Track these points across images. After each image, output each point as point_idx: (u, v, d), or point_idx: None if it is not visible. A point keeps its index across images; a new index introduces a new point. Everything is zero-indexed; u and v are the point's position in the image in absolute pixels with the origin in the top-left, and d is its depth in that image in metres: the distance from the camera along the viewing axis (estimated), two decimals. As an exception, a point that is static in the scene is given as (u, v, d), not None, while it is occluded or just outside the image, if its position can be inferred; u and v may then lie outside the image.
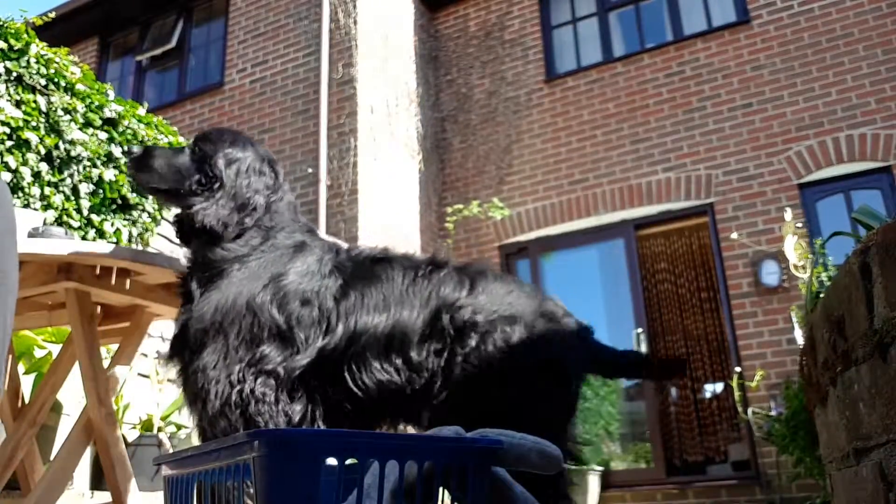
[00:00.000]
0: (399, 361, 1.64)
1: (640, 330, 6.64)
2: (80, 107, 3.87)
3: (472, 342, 1.64)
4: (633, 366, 1.98)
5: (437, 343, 1.66)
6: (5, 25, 3.61)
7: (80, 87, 3.92)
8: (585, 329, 1.83)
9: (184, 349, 1.65)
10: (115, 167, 4.01)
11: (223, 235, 1.71)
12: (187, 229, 1.79)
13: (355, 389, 1.62)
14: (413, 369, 1.64)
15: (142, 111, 4.37)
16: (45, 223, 3.07)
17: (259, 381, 1.57)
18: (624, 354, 1.90)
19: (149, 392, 3.51)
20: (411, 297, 1.69)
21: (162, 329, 4.35)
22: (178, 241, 1.87)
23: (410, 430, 1.75)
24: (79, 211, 3.76)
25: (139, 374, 3.92)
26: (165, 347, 3.94)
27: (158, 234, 4.36)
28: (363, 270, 1.74)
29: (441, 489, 1.01)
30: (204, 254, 1.73)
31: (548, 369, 1.67)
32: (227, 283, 1.66)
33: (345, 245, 1.87)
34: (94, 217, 3.83)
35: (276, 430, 0.95)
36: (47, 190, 3.58)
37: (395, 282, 1.71)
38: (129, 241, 4.05)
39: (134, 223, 4.10)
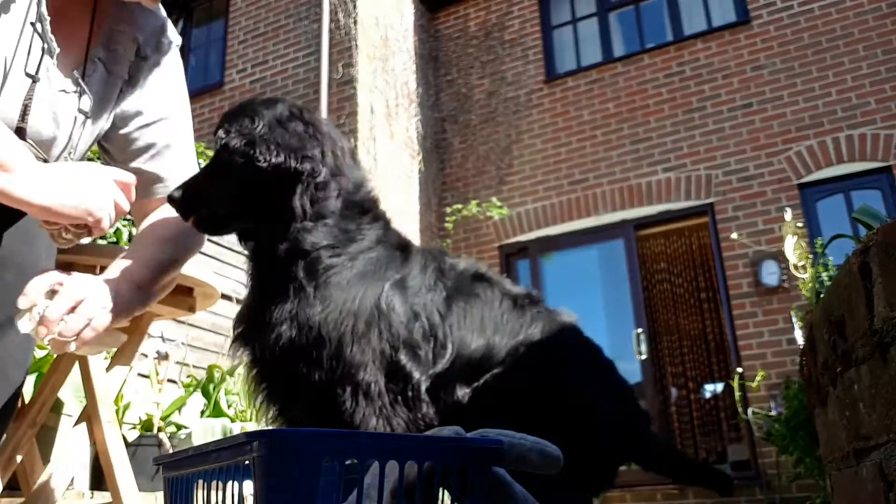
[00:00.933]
0: (466, 391, 1.50)
1: (640, 330, 6.64)
2: (80, 107, 3.87)
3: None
4: (678, 469, 1.84)
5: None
6: (5, 25, 3.61)
7: (80, 87, 3.91)
8: (643, 416, 1.72)
9: (309, 348, 1.44)
10: (115, 167, 4.01)
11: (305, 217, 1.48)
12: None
13: (431, 420, 1.48)
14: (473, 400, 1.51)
15: (142, 111, 4.37)
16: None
17: (400, 408, 1.45)
18: (675, 455, 1.81)
19: (149, 392, 3.51)
20: (504, 325, 1.56)
21: (162, 329, 4.36)
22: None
23: None
24: (79, 211, 3.75)
25: (139, 374, 3.92)
26: (165, 347, 3.94)
27: (158, 234, 4.35)
28: (464, 285, 1.58)
29: (441, 489, 1.02)
30: (295, 243, 1.48)
31: (583, 445, 1.51)
32: (344, 280, 1.47)
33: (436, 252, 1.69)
34: (94, 217, 3.83)
35: (275, 430, 0.96)
36: (47, 190, 3.58)
37: (493, 304, 1.57)
38: (130, 240, 4.05)
39: (134, 223, 4.10)
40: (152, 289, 1.38)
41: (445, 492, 1.01)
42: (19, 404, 2.37)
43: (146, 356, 3.77)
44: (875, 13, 6.50)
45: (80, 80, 1.28)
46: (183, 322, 4.40)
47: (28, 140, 1.21)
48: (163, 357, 3.64)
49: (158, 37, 1.41)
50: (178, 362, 4.16)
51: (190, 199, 1.44)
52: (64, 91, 1.26)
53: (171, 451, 3.04)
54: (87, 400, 2.17)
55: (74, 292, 1.17)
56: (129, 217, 4.08)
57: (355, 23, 7.19)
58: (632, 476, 6.67)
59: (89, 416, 2.16)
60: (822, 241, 4.03)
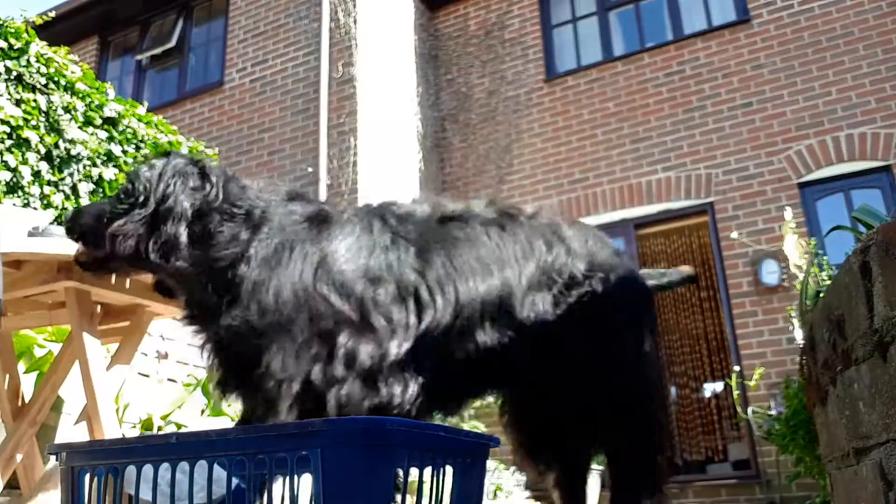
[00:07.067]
0: (505, 325, 1.51)
1: (639, 329, 6.63)
2: (80, 106, 3.87)
3: (577, 293, 1.58)
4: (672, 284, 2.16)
5: (540, 300, 1.55)
6: (5, 25, 3.61)
7: (79, 86, 3.91)
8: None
9: (237, 357, 1.42)
10: (114, 166, 4.01)
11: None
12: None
13: (462, 367, 1.47)
14: (517, 329, 1.52)
15: (141, 110, 4.36)
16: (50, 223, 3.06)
17: (349, 381, 1.36)
18: (663, 274, 2.08)
19: (149, 391, 3.50)
20: (508, 256, 1.53)
21: (162, 328, 4.35)
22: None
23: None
24: (79, 210, 3.76)
25: (139, 374, 3.91)
26: (165, 347, 3.94)
27: (158, 233, 4.35)
28: (435, 234, 1.52)
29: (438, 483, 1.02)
30: (203, 265, 1.48)
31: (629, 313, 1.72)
32: (255, 284, 1.41)
33: (373, 204, 1.61)
34: (94, 216, 3.82)
35: (353, 418, 0.87)
36: (47, 189, 3.58)
37: (482, 241, 1.53)
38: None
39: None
40: None
41: (445, 487, 1.02)
42: (19, 403, 2.37)
43: (146, 355, 3.77)
44: (875, 12, 6.49)
45: None
46: (183, 321, 4.39)
47: None
48: (163, 356, 3.64)
49: None
50: (178, 361, 4.16)
51: None
52: None
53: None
54: (87, 399, 2.17)
55: None
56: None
57: (355, 22, 7.18)
58: (632, 475, 6.66)
59: (89, 415, 2.16)
60: (817, 240, 4.03)
